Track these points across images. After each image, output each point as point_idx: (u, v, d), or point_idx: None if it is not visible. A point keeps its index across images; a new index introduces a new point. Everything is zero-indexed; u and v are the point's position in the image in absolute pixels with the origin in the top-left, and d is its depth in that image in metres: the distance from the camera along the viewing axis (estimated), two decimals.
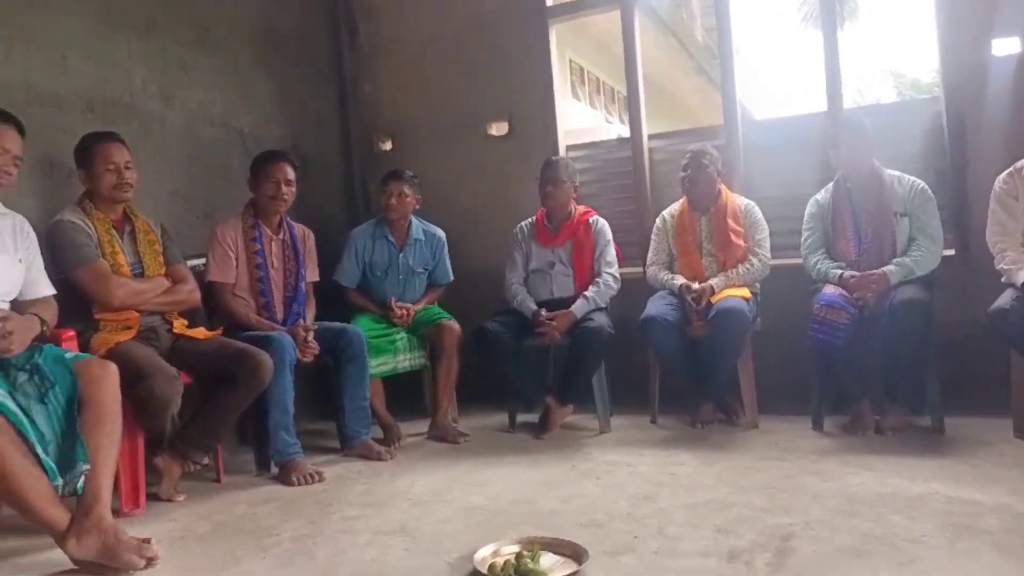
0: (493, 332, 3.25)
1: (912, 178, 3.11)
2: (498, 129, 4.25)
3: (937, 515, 2.04)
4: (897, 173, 3.13)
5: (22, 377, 2.06)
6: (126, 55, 3.18)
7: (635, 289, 3.60)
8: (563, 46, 5.86)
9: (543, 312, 3.34)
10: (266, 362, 2.71)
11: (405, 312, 3.50)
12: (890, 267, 2.97)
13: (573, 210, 3.58)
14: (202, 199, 3.51)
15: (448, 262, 3.80)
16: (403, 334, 3.49)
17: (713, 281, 3.27)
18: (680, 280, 3.34)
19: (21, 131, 2.24)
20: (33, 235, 2.37)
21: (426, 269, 3.72)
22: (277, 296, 3.18)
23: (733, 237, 3.35)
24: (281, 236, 3.24)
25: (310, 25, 4.31)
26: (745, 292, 3.24)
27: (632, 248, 3.87)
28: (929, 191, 3.08)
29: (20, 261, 2.28)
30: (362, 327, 3.32)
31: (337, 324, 3.23)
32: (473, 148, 4.29)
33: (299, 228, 3.34)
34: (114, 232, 2.68)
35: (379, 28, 4.51)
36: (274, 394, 2.80)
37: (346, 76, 4.50)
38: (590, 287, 3.41)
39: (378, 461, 3.02)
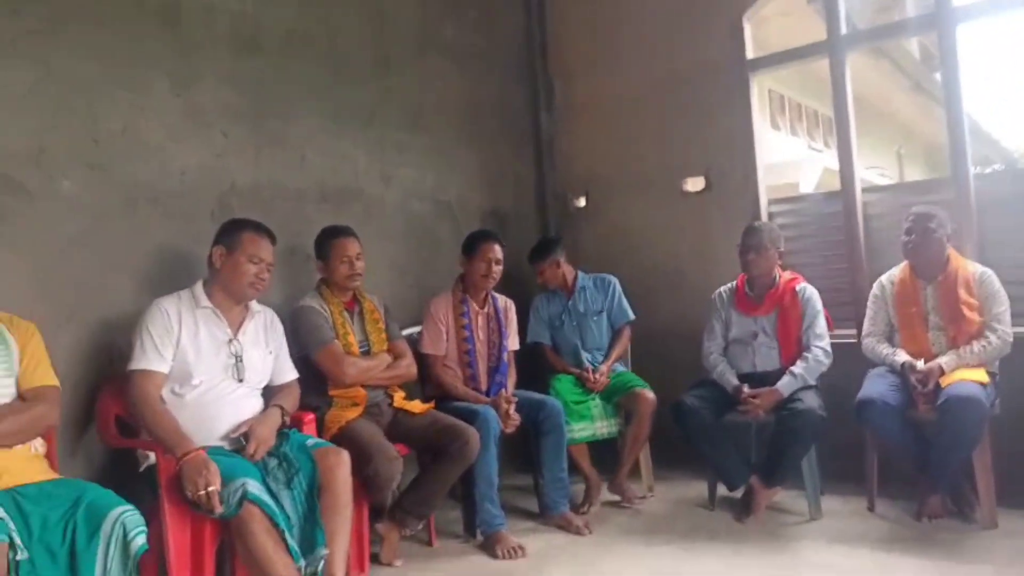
0: (691, 407, 3.18)
1: None
2: (694, 185, 4.17)
3: None
4: None
5: (272, 463, 2.35)
6: (352, 146, 3.52)
7: (847, 356, 3.36)
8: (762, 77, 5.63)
9: (745, 388, 3.22)
10: (474, 439, 2.88)
11: (599, 377, 3.55)
12: None
13: (778, 276, 3.42)
14: (414, 269, 3.79)
15: (625, 302, 3.84)
16: (599, 400, 3.54)
17: (942, 360, 2.97)
18: (903, 357, 3.06)
19: (273, 241, 2.57)
20: (280, 327, 2.70)
21: (602, 311, 3.79)
22: (482, 367, 3.37)
23: (965, 310, 3.01)
24: (486, 309, 3.44)
25: (509, 93, 4.51)
26: (981, 374, 2.90)
27: (844, 309, 3.63)
28: None
29: (271, 352, 2.60)
30: (561, 392, 3.45)
31: (537, 395, 3.35)
32: (668, 204, 4.24)
33: (502, 300, 3.53)
34: (346, 314, 3.00)
35: (574, 89, 4.61)
36: (480, 467, 2.96)
37: (543, 137, 4.64)
38: (798, 362, 3.23)
39: (577, 535, 3.08)
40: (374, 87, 3.66)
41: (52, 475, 2.03)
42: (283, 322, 2.73)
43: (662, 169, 4.26)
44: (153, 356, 2.28)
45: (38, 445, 2.08)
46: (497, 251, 3.37)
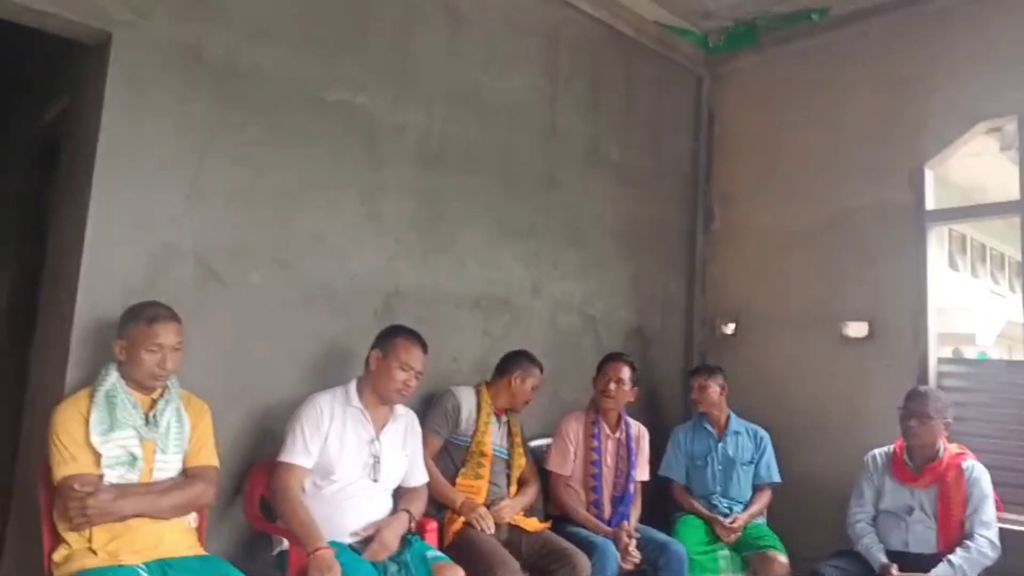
0: None
1: None
2: (855, 330, 3.95)
3: None
4: None
5: (392, 568, 2.42)
6: (510, 256, 3.68)
7: (1019, 546, 2.99)
8: None
9: (895, 569, 2.93)
10: (583, 566, 2.83)
11: (735, 527, 3.37)
12: None
13: (942, 449, 3.12)
14: (553, 381, 3.79)
15: (774, 461, 3.66)
16: (727, 552, 3.35)
17: None
18: None
19: (425, 350, 2.71)
20: (419, 430, 2.82)
21: (751, 462, 3.62)
22: (607, 493, 3.31)
23: None
24: (618, 435, 3.39)
25: (668, 214, 4.55)
26: None
27: (1018, 492, 3.25)
28: None
29: (407, 456, 2.71)
30: (686, 539, 3.29)
31: (661, 536, 3.23)
32: (823, 347, 4.04)
33: (635, 426, 3.48)
34: (493, 417, 3.12)
35: (734, 214, 4.57)
36: None
37: (697, 260, 4.62)
38: (958, 549, 2.91)
39: None
40: (538, 201, 3.83)
41: (199, 551, 2.21)
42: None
43: (820, 308, 4.08)
44: (301, 451, 2.44)
45: (192, 519, 2.27)
46: (623, 371, 3.36)
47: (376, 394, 2.64)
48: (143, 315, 2.17)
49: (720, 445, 3.65)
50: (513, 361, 3.21)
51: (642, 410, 3.57)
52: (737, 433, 3.68)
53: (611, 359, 3.44)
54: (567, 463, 3.33)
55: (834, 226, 4.09)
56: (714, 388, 3.71)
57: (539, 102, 3.85)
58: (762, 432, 3.71)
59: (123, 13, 2.47)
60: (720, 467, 3.61)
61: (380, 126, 3.17)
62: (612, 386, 3.34)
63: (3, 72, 4.03)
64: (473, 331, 3.47)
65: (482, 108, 3.57)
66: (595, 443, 3.34)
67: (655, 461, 3.62)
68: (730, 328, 4.50)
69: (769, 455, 3.66)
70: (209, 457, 2.29)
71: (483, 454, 3.03)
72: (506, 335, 3.50)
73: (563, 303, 3.93)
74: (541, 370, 3.24)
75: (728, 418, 3.73)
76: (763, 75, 4.53)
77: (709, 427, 3.71)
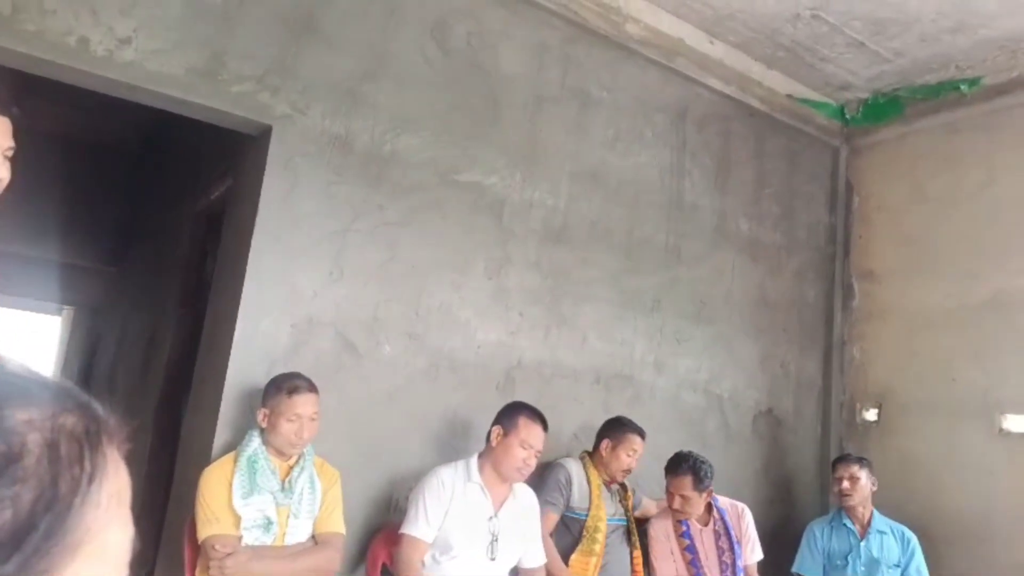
0: None
1: None
2: (1016, 424, 3.58)
3: None
4: None
5: None
6: (632, 331, 3.64)
7: None
8: None
9: None
10: None
11: None
12: None
13: None
14: None
15: (925, 569, 3.32)
16: None
17: None
18: None
19: (545, 428, 2.71)
20: (538, 510, 2.80)
21: (897, 566, 3.32)
22: None
23: None
24: (711, 525, 3.19)
25: (802, 290, 4.36)
26: None
27: None
28: None
29: (525, 536, 2.69)
30: None
31: None
32: (979, 440, 3.68)
33: (729, 507, 3.25)
34: (604, 488, 3.07)
35: (877, 291, 4.32)
36: None
37: (834, 339, 4.38)
38: None
39: None
40: (662, 275, 3.79)
41: None
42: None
43: (976, 397, 3.74)
44: (423, 525, 2.49)
45: None
46: (685, 486, 3.02)
47: (496, 471, 2.65)
48: (284, 387, 2.32)
49: (863, 544, 3.37)
50: (605, 428, 3.13)
51: (774, 499, 3.37)
52: (882, 532, 3.38)
53: (670, 469, 3.10)
54: (671, 562, 3.14)
55: (993, 306, 3.76)
56: (866, 481, 3.44)
57: (665, 177, 3.86)
58: (909, 533, 3.39)
59: (283, 109, 2.74)
60: (863, 568, 3.32)
61: (508, 204, 3.28)
62: (676, 502, 3.08)
63: (179, 156, 4.54)
64: (593, 406, 3.43)
65: (607, 184, 3.62)
66: (687, 542, 3.14)
67: (785, 553, 3.39)
68: (872, 414, 4.19)
69: (919, 560, 3.33)
70: (337, 524, 2.39)
71: (598, 528, 2.98)
72: (627, 411, 3.43)
73: (687, 380, 3.82)
74: (641, 436, 3.09)
75: (871, 515, 3.44)
76: (907, 147, 4.31)
77: (850, 524, 3.44)
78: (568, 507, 3.01)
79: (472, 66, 3.23)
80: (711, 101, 4.07)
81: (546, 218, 3.41)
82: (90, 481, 0.43)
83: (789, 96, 4.32)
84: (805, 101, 4.38)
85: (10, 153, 1.27)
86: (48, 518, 0.40)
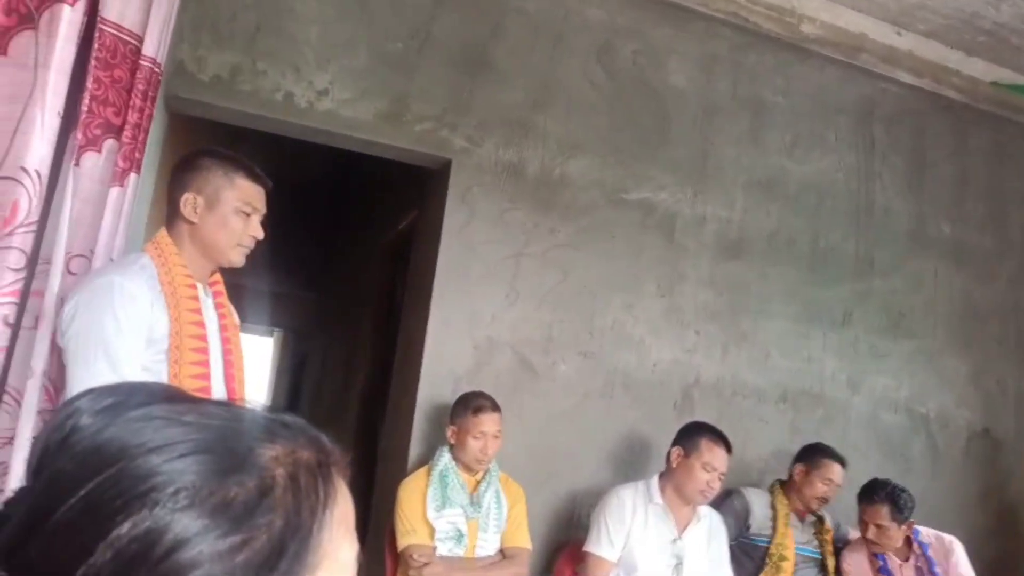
0: None
1: None
2: None
3: None
4: None
5: None
6: (820, 348, 3.43)
7: None
8: None
9: None
10: None
11: None
12: None
13: None
14: None
15: None
16: None
17: None
18: None
19: (729, 450, 2.62)
20: (725, 533, 2.70)
21: None
22: None
23: None
24: (912, 560, 2.87)
25: (1017, 297, 3.88)
26: None
27: None
28: None
29: (710, 559, 2.61)
30: None
31: None
32: None
33: (935, 540, 2.91)
34: (794, 516, 2.92)
35: None
36: None
37: None
38: None
39: None
40: (852, 287, 3.54)
41: None
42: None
43: None
44: (606, 544, 2.49)
45: None
46: (881, 515, 2.74)
47: (678, 493, 2.60)
48: (470, 406, 2.44)
49: None
50: (801, 453, 2.95)
51: (995, 531, 3.00)
52: None
53: (864, 497, 2.85)
54: None
55: None
56: None
57: (851, 181, 3.62)
58: None
59: (461, 143, 2.91)
60: None
61: (679, 219, 3.23)
62: (871, 532, 2.79)
63: (368, 192, 4.93)
64: (779, 427, 3.28)
65: (786, 193, 3.46)
66: None
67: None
68: None
69: None
70: (523, 539, 2.46)
71: (783, 557, 2.81)
72: (818, 433, 3.24)
73: (886, 399, 3.53)
74: (842, 464, 2.88)
75: None
76: None
77: None
78: (743, 534, 2.88)
79: (639, 84, 3.23)
80: (900, 96, 3.77)
81: (720, 232, 3.32)
82: (324, 508, 0.49)
83: (994, 83, 3.88)
84: (1014, 87, 3.92)
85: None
86: (295, 542, 0.46)
